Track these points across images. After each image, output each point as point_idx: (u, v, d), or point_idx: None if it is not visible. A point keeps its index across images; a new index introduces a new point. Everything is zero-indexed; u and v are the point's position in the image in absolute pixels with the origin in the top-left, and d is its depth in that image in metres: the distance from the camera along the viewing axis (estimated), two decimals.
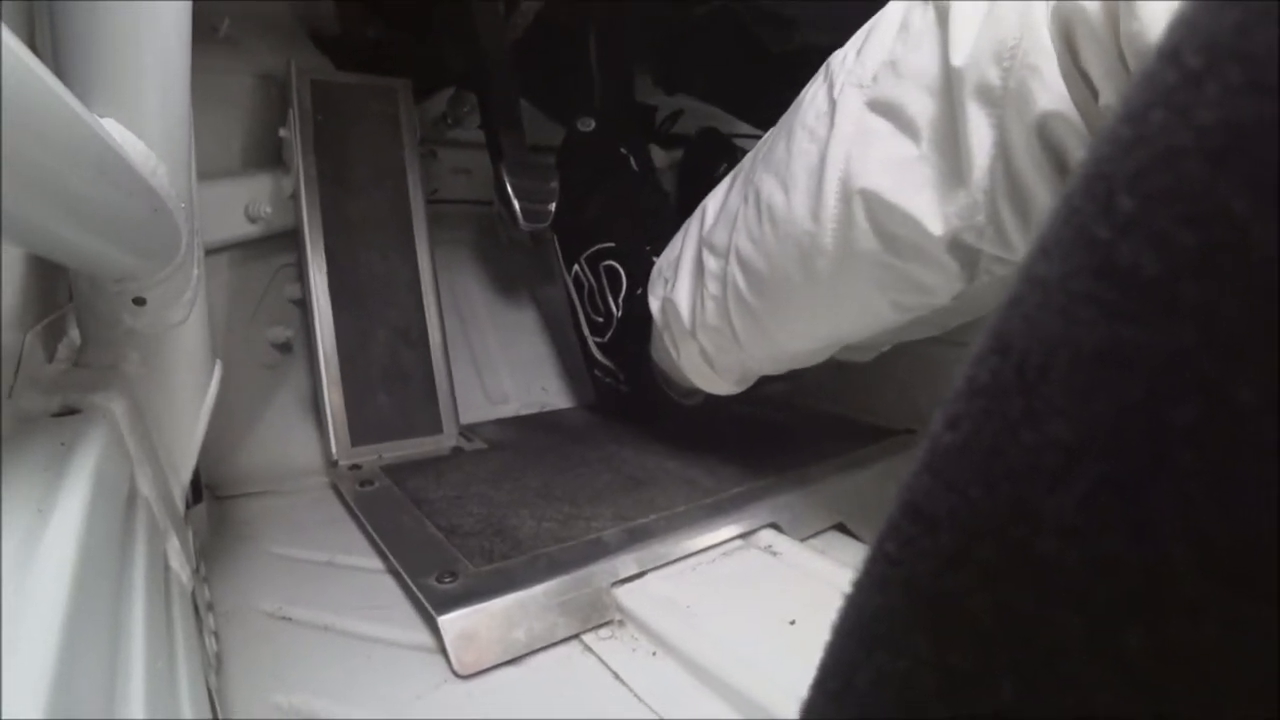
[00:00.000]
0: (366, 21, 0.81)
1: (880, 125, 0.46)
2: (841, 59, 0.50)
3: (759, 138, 1.05)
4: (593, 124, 0.85)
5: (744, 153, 1.04)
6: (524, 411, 0.88)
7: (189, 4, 0.34)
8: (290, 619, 0.46)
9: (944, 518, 0.13)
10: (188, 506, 0.46)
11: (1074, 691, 0.11)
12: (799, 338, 0.57)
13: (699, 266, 0.61)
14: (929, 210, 0.44)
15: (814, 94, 0.51)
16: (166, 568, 0.36)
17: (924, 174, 0.44)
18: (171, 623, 0.32)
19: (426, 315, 0.76)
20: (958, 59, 0.41)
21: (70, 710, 0.17)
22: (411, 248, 0.76)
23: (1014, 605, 0.12)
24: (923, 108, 0.43)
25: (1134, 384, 0.10)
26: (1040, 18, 0.38)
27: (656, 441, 0.75)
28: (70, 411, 0.34)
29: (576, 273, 0.81)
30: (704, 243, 0.61)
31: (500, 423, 0.84)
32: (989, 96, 0.40)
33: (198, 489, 0.51)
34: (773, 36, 0.81)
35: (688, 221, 0.67)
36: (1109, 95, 0.36)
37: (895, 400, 0.84)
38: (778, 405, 0.89)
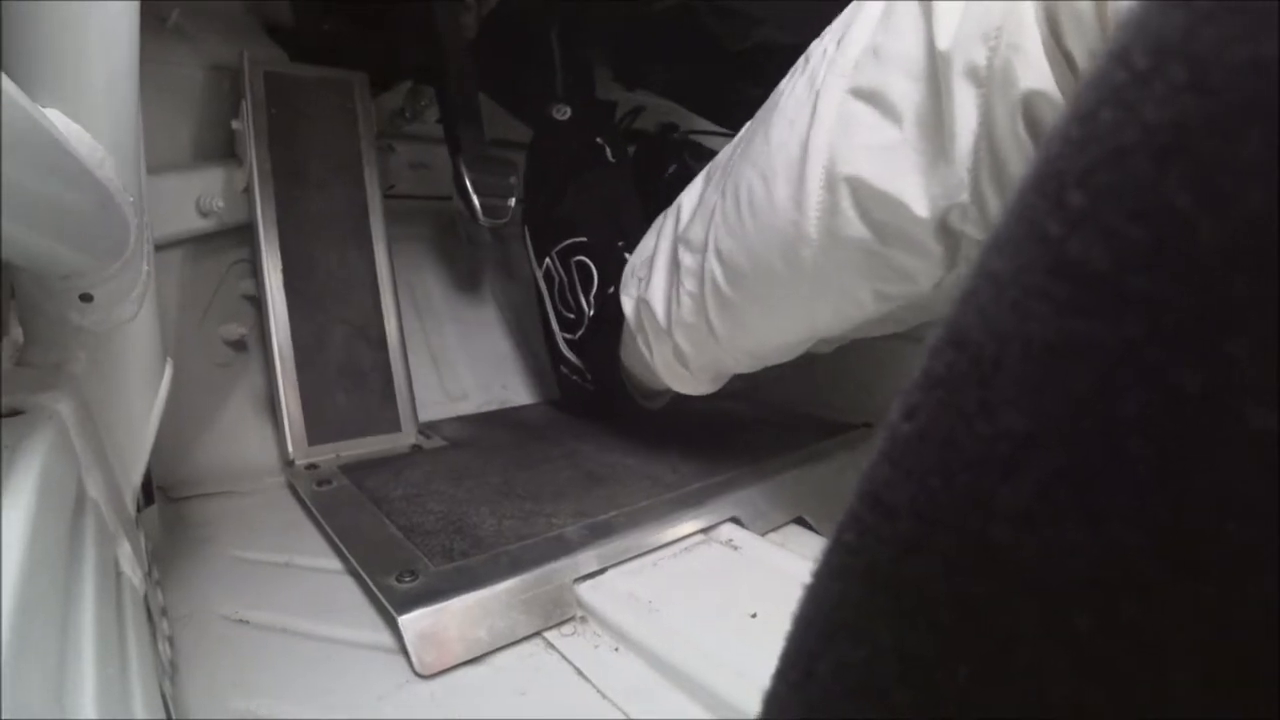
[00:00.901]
0: (322, 12, 0.80)
1: (863, 112, 0.46)
2: (822, 50, 0.50)
3: (719, 134, 1.05)
4: (568, 112, 0.83)
5: (703, 153, 1.05)
6: (484, 408, 0.88)
7: None
8: (248, 622, 0.46)
9: (903, 507, 0.13)
10: (139, 509, 0.45)
11: (1029, 675, 0.12)
12: (779, 331, 0.57)
13: (674, 264, 0.61)
14: (915, 194, 0.44)
15: (793, 85, 0.52)
16: (118, 573, 0.35)
17: (909, 158, 0.44)
18: (124, 629, 0.31)
19: (384, 312, 0.75)
20: (943, 42, 0.41)
21: (19, 716, 0.17)
22: (369, 244, 0.75)
23: (970, 591, 0.12)
24: (906, 92, 0.44)
25: (1085, 375, 0.11)
26: (1026, 9, 0.38)
27: (617, 438, 0.75)
28: (14, 413, 0.33)
29: (548, 266, 0.80)
30: (680, 239, 0.60)
31: (460, 420, 0.83)
32: (975, 77, 0.40)
33: (149, 491, 0.49)
34: (731, 33, 0.81)
35: (660, 219, 0.66)
36: None
37: (852, 395, 0.85)
38: (737, 401, 0.90)
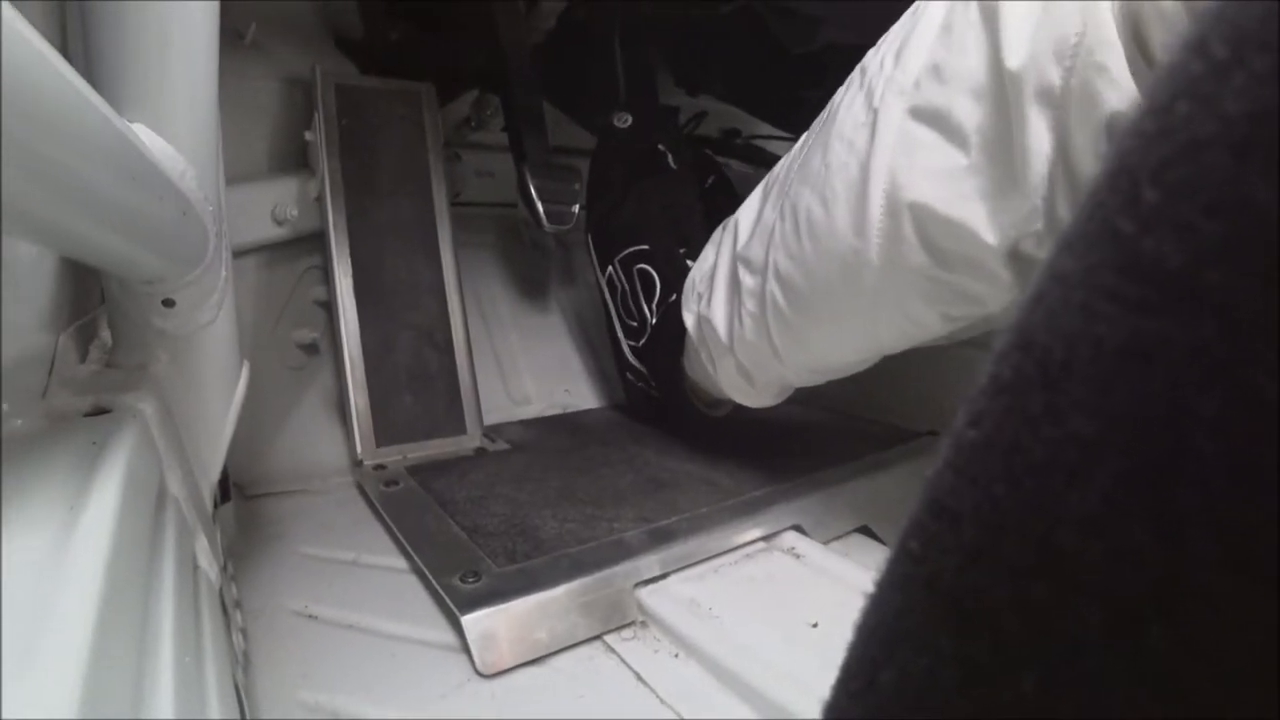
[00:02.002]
0: (389, 24, 0.82)
1: (925, 134, 0.44)
2: (879, 64, 0.48)
3: (780, 139, 1.04)
4: (629, 119, 0.84)
5: (766, 157, 1.04)
6: (546, 413, 0.88)
7: (216, 11, 0.35)
8: (316, 617, 0.47)
9: (968, 514, 0.13)
10: (216, 505, 0.46)
11: (1094, 685, 0.11)
12: (842, 351, 0.56)
13: (734, 283, 0.60)
14: (982, 221, 0.42)
15: (850, 102, 0.49)
16: (195, 566, 0.36)
17: (976, 184, 0.42)
18: (200, 620, 0.32)
19: (450, 317, 0.76)
20: (1013, 60, 0.38)
21: (100, 705, 0.18)
22: (435, 250, 0.77)
23: (1036, 599, 0.12)
24: (971, 114, 0.41)
25: (1156, 377, 0.10)
26: (1105, 9, 0.35)
27: (679, 443, 0.75)
28: (101, 411, 0.35)
29: (610, 274, 0.81)
30: (739, 259, 0.59)
31: (523, 423, 0.84)
32: (1049, 99, 0.37)
33: (226, 488, 0.51)
34: (794, 36, 0.81)
35: (719, 232, 0.66)
36: None
37: (917, 402, 0.83)
38: (800, 407, 0.89)
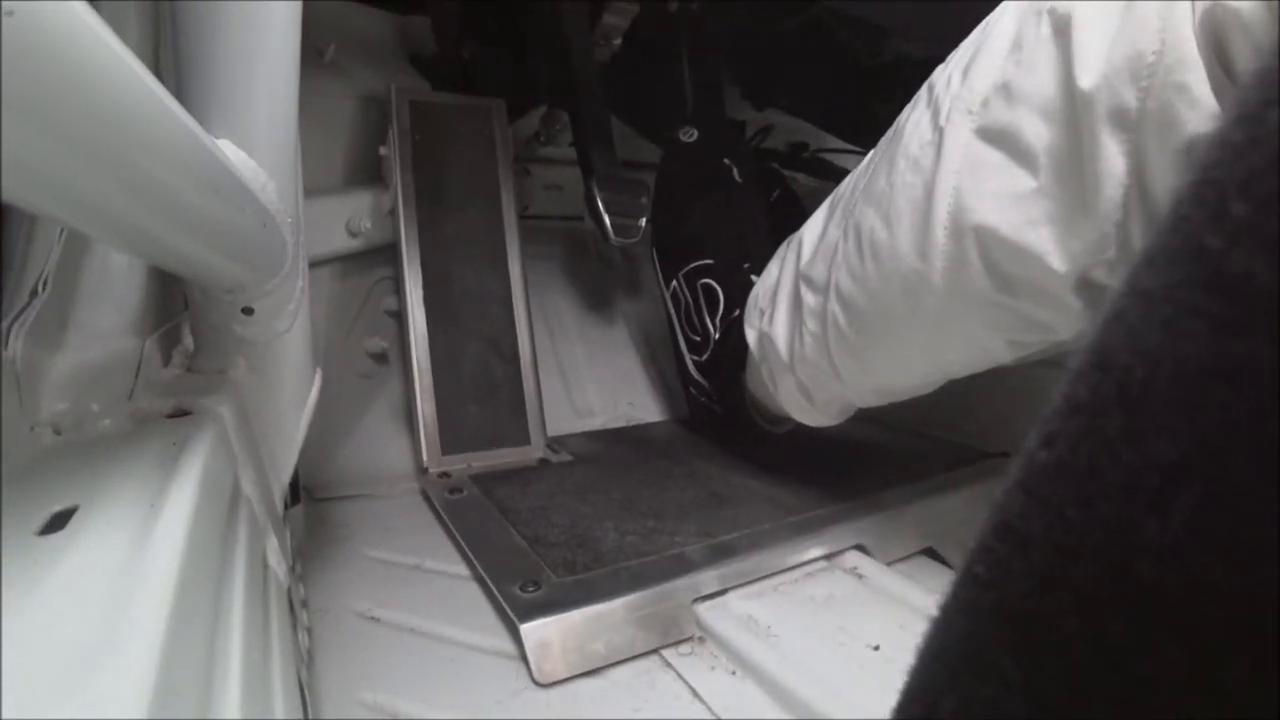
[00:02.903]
0: (462, 43, 0.84)
1: (993, 156, 0.42)
2: (946, 81, 0.46)
3: (849, 152, 1.03)
4: (695, 134, 0.84)
5: (833, 171, 1.03)
6: (610, 425, 0.89)
7: (299, 31, 0.36)
8: (379, 620, 0.48)
9: (1038, 538, 0.13)
10: (286, 507, 0.48)
11: None
12: (904, 374, 0.55)
13: (796, 301, 0.59)
14: (1051, 247, 0.40)
15: (916, 120, 0.48)
16: (265, 565, 0.37)
17: (1044, 208, 0.40)
18: (268, 617, 0.33)
19: (517, 329, 0.77)
20: (1085, 80, 0.37)
21: (172, 697, 0.18)
22: (504, 262, 0.78)
23: (1109, 631, 0.11)
24: (1041, 135, 0.40)
25: (1243, 399, 0.10)
26: (1184, 24, 0.33)
27: (741, 458, 0.75)
28: (182, 413, 0.37)
29: (675, 288, 0.81)
30: (801, 277, 0.59)
31: (586, 435, 0.84)
32: (1123, 121, 0.36)
33: (296, 490, 0.53)
34: (864, 48, 0.80)
35: (782, 250, 0.65)
36: None
37: (989, 422, 0.81)
38: (865, 425, 0.87)
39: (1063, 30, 0.38)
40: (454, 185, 0.77)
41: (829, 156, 1.07)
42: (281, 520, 0.45)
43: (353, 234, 0.73)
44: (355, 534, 0.60)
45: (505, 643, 0.46)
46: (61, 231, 0.36)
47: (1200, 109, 0.33)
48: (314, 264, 0.70)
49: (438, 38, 0.84)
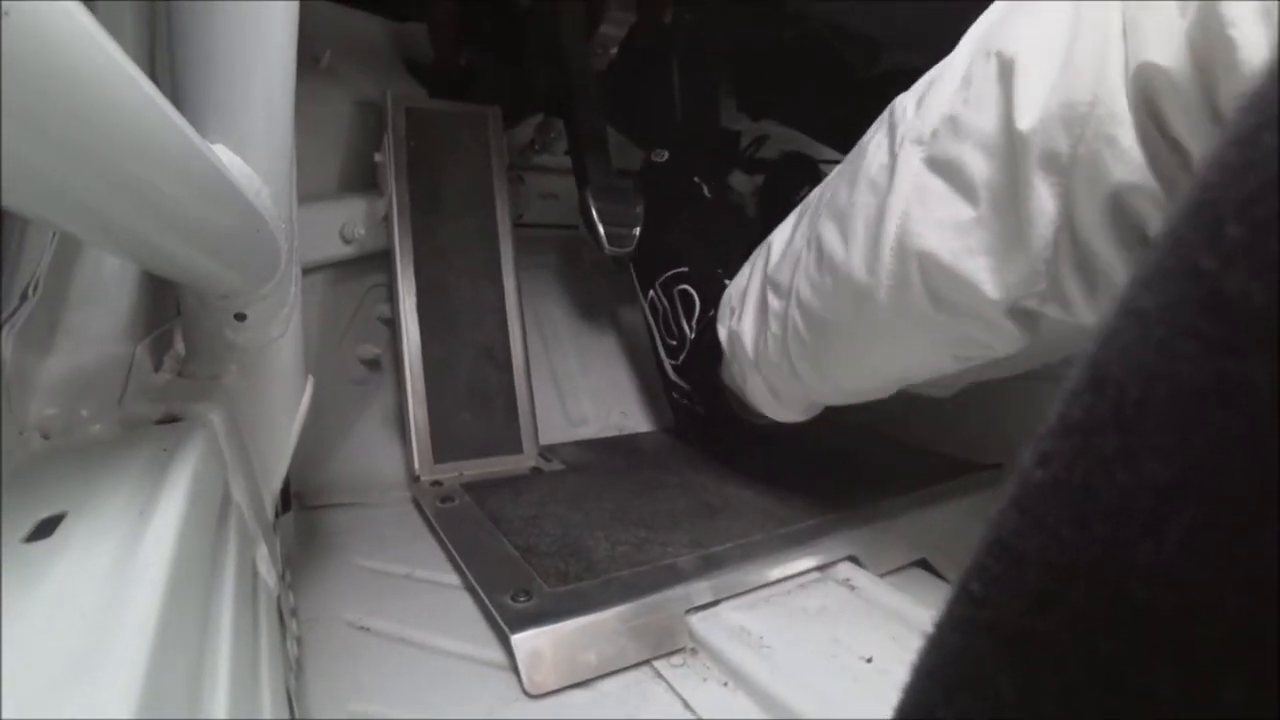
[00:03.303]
0: (458, 50, 0.84)
1: (938, 185, 0.44)
2: (904, 109, 0.48)
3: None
4: (666, 155, 0.86)
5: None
6: (602, 434, 0.89)
7: (295, 37, 0.36)
8: (369, 629, 0.47)
9: (1032, 557, 0.13)
10: (277, 515, 0.48)
11: None
12: (858, 379, 0.57)
13: (763, 303, 0.61)
14: (986, 276, 0.42)
15: (877, 143, 0.50)
16: (255, 573, 0.37)
17: (982, 239, 0.42)
18: (257, 626, 0.33)
19: (510, 337, 0.77)
20: (1023, 122, 0.38)
21: (159, 706, 0.18)
22: (498, 270, 0.78)
23: (1104, 652, 0.11)
24: (982, 169, 0.41)
25: (1239, 420, 0.10)
26: (1116, 80, 0.35)
27: (734, 469, 0.75)
28: (173, 419, 0.36)
29: (652, 297, 0.82)
30: (768, 281, 0.61)
31: (579, 444, 0.84)
32: (1054, 165, 0.37)
33: (287, 498, 0.52)
34: (859, 61, 0.80)
35: (756, 252, 0.66)
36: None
37: (981, 433, 0.81)
38: (858, 435, 0.87)
39: (1007, 73, 0.40)
40: (449, 192, 0.77)
41: (824, 168, 1.07)
42: (272, 528, 0.44)
43: (347, 240, 0.73)
44: (346, 542, 0.59)
45: (496, 653, 0.45)
46: (53, 235, 0.36)
47: (1128, 161, 0.35)
48: (307, 270, 0.69)
49: (434, 45, 0.84)
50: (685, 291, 0.77)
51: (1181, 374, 0.11)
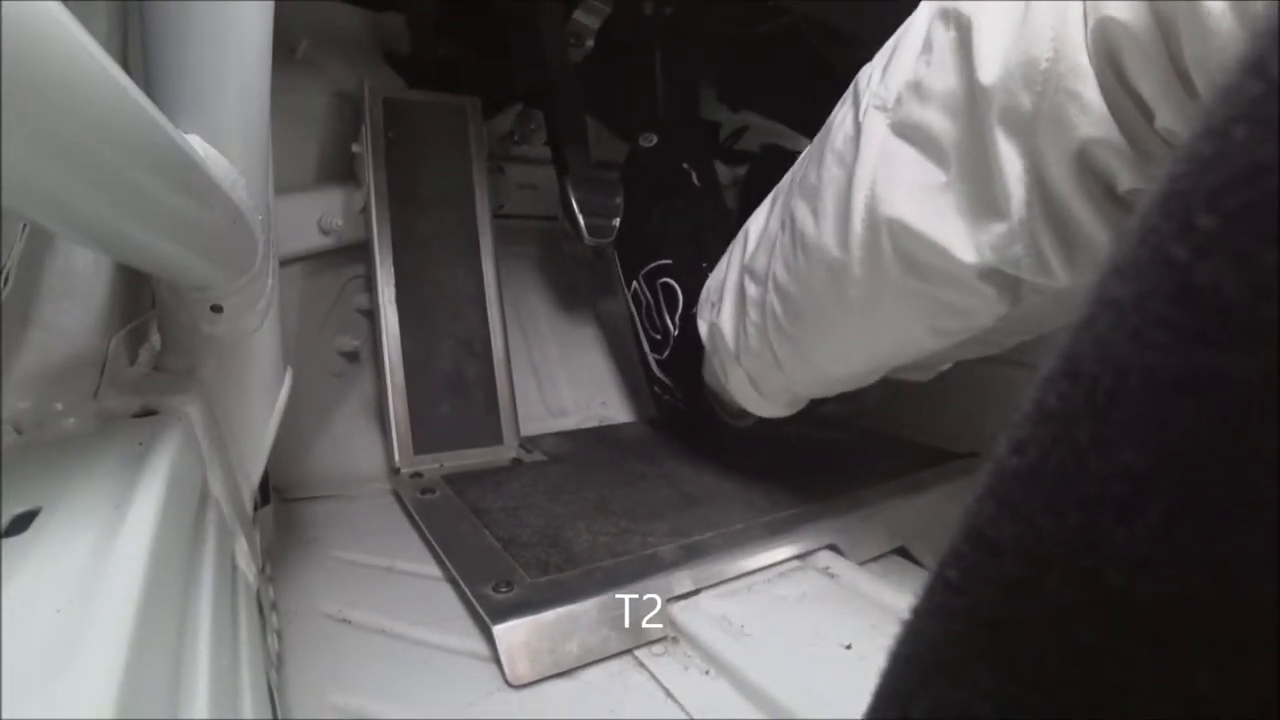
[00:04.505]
0: (437, 40, 0.84)
1: (905, 151, 0.44)
2: (867, 79, 0.48)
3: None
4: (655, 139, 0.85)
5: None
6: (583, 425, 0.89)
7: (270, 27, 0.36)
8: (350, 621, 0.47)
9: (1008, 545, 0.13)
10: (256, 508, 0.47)
11: None
12: (840, 363, 0.56)
13: (741, 293, 0.61)
14: (959, 239, 0.42)
15: (842, 117, 0.50)
16: (234, 567, 0.37)
17: (952, 202, 0.42)
18: (236, 620, 0.33)
19: (490, 328, 0.77)
20: (985, 78, 0.38)
21: (138, 701, 0.18)
22: (477, 261, 0.78)
23: (1080, 639, 0.12)
24: (948, 132, 0.41)
25: (1211, 411, 0.10)
26: (1076, 35, 0.34)
27: (714, 459, 0.75)
28: (149, 413, 0.36)
29: (635, 289, 0.82)
30: (746, 269, 0.60)
31: (559, 435, 0.84)
32: (1018, 123, 0.37)
33: (266, 491, 0.52)
34: (837, 55, 0.80)
35: (732, 244, 0.66)
36: (1167, 117, 0.33)
37: (957, 423, 0.82)
38: (837, 426, 0.88)
39: (965, 33, 0.40)
40: (427, 183, 0.76)
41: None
42: (251, 521, 0.44)
43: (324, 232, 0.73)
44: (326, 535, 0.59)
45: (478, 644, 0.45)
46: (24, 226, 0.36)
47: (1092, 114, 0.35)
48: (285, 262, 0.69)
49: (413, 35, 0.83)
50: (668, 285, 0.76)
51: (1154, 364, 0.11)
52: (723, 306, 0.63)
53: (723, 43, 0.92)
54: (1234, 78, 0.11)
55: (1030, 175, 0.38)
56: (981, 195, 0.41)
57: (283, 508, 0.63)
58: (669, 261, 0.78)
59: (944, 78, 0.41)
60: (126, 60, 0.40)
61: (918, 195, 0.43)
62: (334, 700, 0.40)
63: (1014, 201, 0.39)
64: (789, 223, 0.54)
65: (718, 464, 0.74)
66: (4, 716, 0.16)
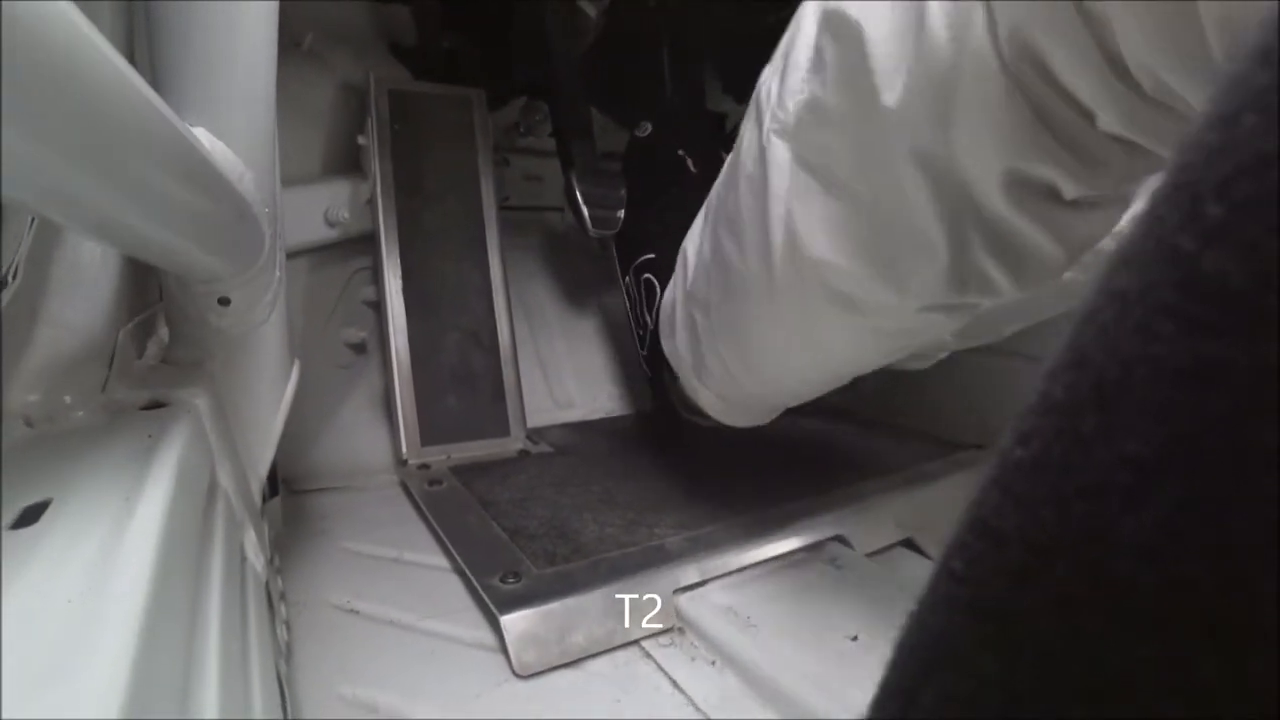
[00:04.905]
0: (442, 32, 0.83)
1: (814, 185, 0.39)
2: (767, 90, 0.42)
3: None
4: (649, 128, 0.84)
5: None
6: (590, 416, 0.89)
7: (276, 19, 0.36)
8: (358, 612, 0.48)
9: (1013, 535, 0.13)
10: (264, 500, 0.47)
11: None
12: (805, 379, 0.53)
13: (690, 320, 0.57)
14: (889, 283, 0.39)
15: (749, 138, 0.44)
16: (243, 558, 0.37)
17: (875, 244, 0.38)
18: (246, 611, 0.33)
19: (497, 320, 0.77)
20: (887, 98, 0.33)
21: (149, 690, 0.18)
22: (483, 253, 0.78)
23: (1085, 628, 0.12)
24: (857, 175, 0.36)
25: (1217, 402, 0.10)
26: (982, 38, 0.29)
27: (722, 450, 0.75)
28: (157, 405, 0.36)
29: (627, 283, 0.81)
30: (689, 296, 0.56)
31: (566, 427, 0.84)
32: (933, 152, 0.33)
33: (274, 483, 0.52)
34: None
35: (678, 261, 0.61)
36: (1110, 117, 0.29)
37: (963, 415, 0.81)
38: (843, 418, 0.88)
39: (857, 43, 0.34)
40: (433, 175, 0.76)
41: None
42: (259, 513, 0.44)
43: (330, 224, 0.73)
44: (334, 526, 0.59)
45: (485, 634, 0.46)
46: (32, 220, 0.36)
47: (1018, 127, 0.31)
48: (291, 254, 0.69)
49: (418, 27, 0.83)
50: (649, 280, 0.74)
51: (1160, 354, 0.11)
52: (676, 333, 0.60)
53: (728, 34, 0.92)
54: (1241, 67, 0.10)
55: (956, 210, 0.34)
56: (906, 238, 0.37)
57: (291, 499, 0.63)
58: (652, 256, 0.77)
59: (841, 100, 0.36)
60: (133, 54, 0.40)
61: (838, 236, 0.39)
62: (342, 690, 0.40)
63: (939, 245, 0.36)
64: (717, 251, 0.50)
65: (725, 454, 0.74)
66: (17, 707, 0.16)
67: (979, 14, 0.29)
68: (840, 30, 0.35)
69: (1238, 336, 0.10)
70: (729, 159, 0.49)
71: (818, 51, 0.37)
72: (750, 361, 0.52)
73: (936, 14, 0.31)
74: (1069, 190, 0.33)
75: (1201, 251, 0.10)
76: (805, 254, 0.40)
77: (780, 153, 0.40)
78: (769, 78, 0.43)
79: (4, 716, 0.16)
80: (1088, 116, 0.30)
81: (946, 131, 0.32)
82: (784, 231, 0.41)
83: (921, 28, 0.31)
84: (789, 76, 0.39)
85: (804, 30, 0.38)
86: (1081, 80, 0.29)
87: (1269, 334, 0.09)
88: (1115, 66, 0.28)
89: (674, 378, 0.68)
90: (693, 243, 0.56)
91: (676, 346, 0.61)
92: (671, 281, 0.62)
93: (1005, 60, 0.30)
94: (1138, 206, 0.36)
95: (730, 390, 0.59)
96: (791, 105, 0.39)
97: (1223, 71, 0.11)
